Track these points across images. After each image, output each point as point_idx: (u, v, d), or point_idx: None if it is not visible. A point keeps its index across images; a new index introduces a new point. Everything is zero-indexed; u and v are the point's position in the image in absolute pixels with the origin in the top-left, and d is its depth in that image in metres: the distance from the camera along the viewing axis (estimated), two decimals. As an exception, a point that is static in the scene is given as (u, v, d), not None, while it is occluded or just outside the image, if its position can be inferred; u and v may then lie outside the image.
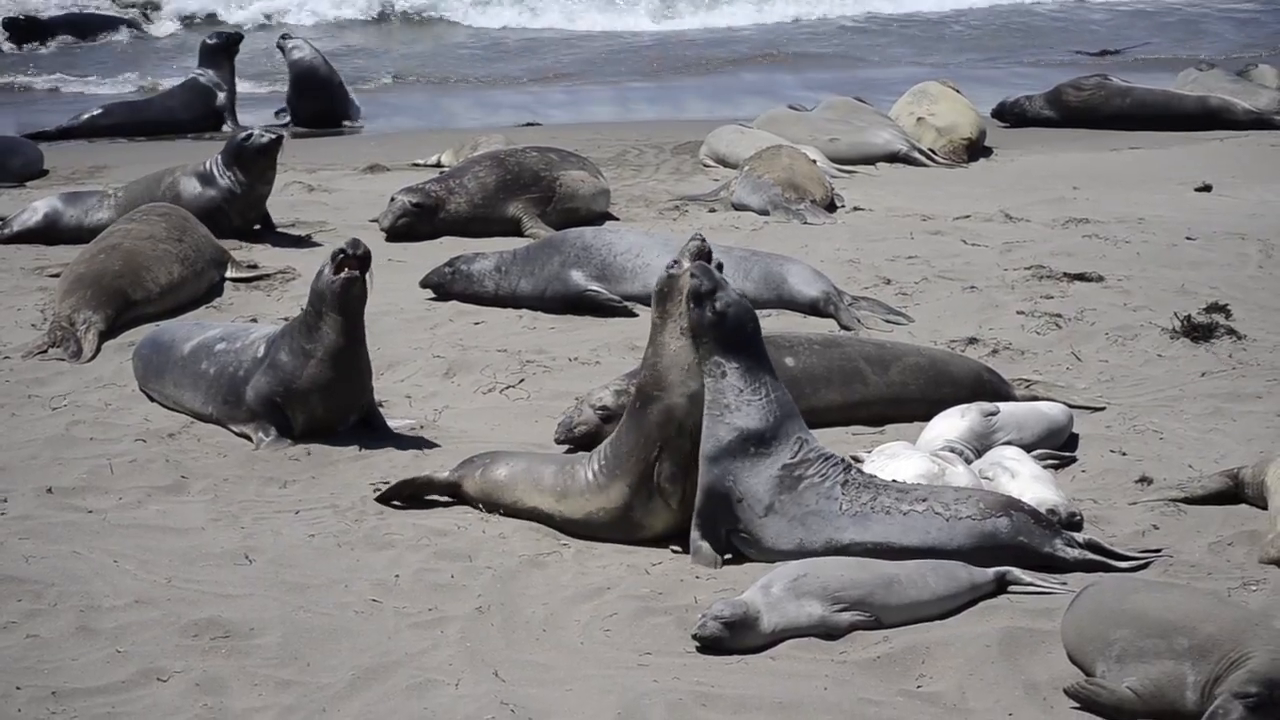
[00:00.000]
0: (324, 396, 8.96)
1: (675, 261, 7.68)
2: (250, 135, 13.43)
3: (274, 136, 13.38)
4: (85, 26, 27.29)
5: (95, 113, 19.74)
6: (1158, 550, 7.36)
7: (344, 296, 8.85)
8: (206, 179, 13.33)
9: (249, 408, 9.05)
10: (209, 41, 20.00)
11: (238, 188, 13.33)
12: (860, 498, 7.25)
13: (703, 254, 7.71)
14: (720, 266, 7.64)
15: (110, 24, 27.69)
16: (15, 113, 21.43)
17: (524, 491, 7.92)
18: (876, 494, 7.26)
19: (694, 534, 7.47)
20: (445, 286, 11.81)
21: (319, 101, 20.22)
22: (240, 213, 13.41)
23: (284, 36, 20.57)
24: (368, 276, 8.88)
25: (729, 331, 7.37)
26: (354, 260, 8.81)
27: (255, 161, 13.31)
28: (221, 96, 19.63)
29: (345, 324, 8.91)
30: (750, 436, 7.33)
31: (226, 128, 19.12)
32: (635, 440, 7.60)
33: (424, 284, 11.85)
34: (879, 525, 7.17)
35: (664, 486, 7.58)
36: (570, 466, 7.86)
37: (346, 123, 20.39)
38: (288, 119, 20.10)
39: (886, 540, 7.12)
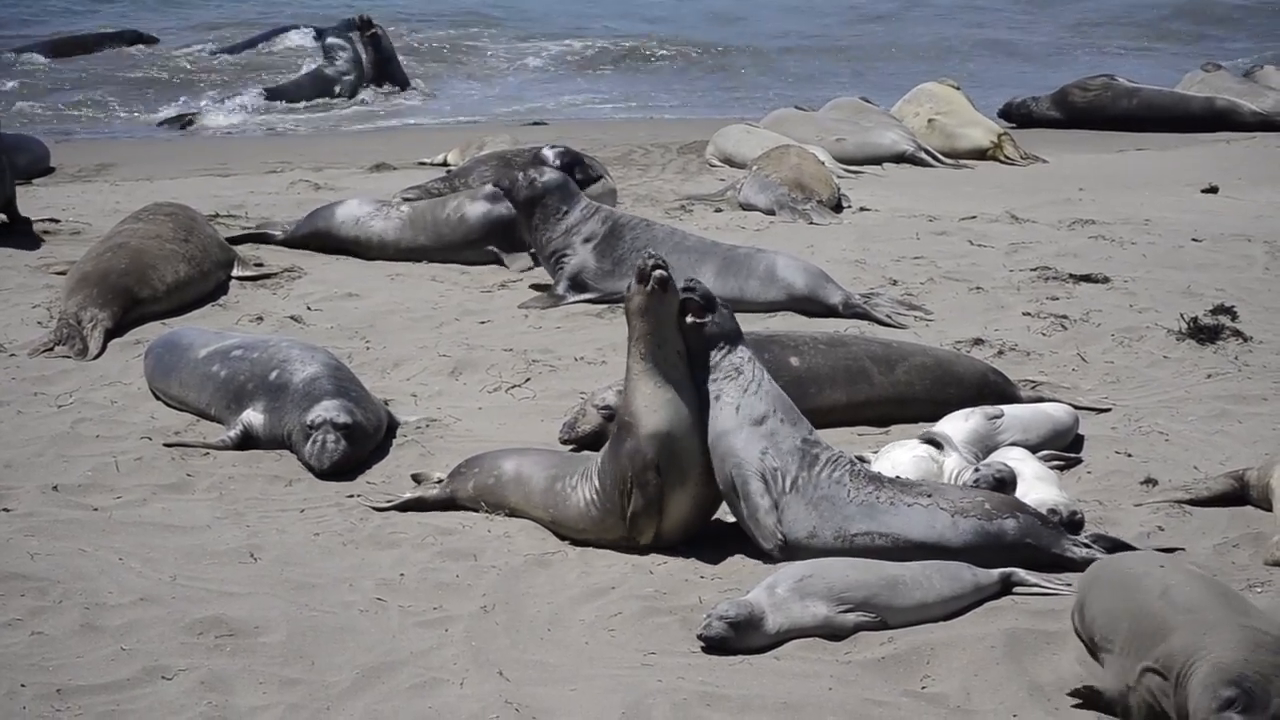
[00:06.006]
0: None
1: (629, 284, 7.58)
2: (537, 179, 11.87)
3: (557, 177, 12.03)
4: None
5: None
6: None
7: (321, 472, 8.59)
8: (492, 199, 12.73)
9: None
10: (339, 30, 23.69)
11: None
12: (866, 486, 7.28)
13: (652, 272, 7.38)
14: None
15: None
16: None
17: (517, 502, 7.92)
18: (881, 485, 7.30)
19: (756, 503, 7.37)
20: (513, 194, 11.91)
21: (390, 82, 23.68)
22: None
23: (362, 20, 23.17)
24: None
25: (733, 328, 7.53)
26: (326, 458, 8.52)
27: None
28: (341, 84, 22.98)
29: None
30: (776, 408, 7.42)
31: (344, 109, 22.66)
32: (613, 473, 7.52)
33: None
34: (885, 517, 7.19)
35: (636, 521, 7.50)
36: (561, 486, 7.76)
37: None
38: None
39: (892, 531, 7.14)
